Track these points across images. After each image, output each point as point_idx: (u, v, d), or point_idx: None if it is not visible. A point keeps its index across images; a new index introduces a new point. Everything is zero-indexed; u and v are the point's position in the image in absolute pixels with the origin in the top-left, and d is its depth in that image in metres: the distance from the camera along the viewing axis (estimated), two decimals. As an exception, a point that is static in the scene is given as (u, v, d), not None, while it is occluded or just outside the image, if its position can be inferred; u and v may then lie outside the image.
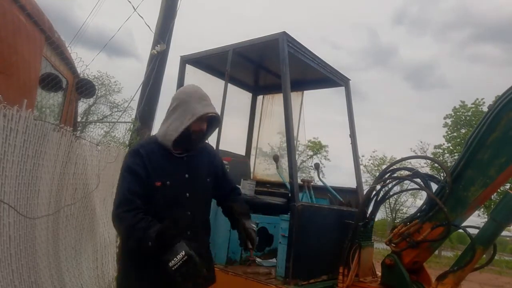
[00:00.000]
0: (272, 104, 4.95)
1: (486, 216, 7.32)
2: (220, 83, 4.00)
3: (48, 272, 3.49)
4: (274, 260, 3.34)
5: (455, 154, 21.20)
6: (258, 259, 3.49)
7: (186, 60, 4.15)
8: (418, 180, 2.69)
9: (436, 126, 54.69)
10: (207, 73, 4.41)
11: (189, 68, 4.20)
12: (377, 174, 4.75)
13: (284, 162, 3.97)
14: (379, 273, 3.01)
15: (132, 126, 5.62)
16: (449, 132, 22.71)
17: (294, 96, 4.32)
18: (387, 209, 28.48)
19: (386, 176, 2.87)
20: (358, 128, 4.09)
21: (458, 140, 21.58)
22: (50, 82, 3.74)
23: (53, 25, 3.72)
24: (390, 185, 2.92)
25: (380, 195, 2.90)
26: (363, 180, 4.31)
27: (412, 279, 2.65)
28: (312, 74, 4.10)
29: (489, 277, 12.69)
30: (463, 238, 24.04)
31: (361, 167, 8.71)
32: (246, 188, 3.59)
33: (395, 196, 22.04)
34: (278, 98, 4.74)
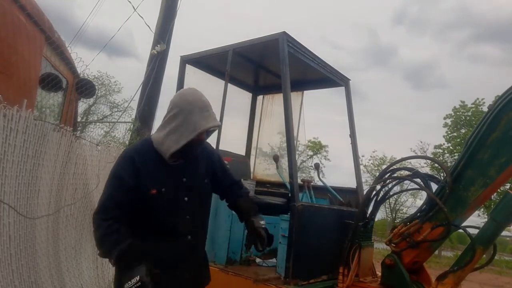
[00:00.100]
0: (272, 104, 4.95)
1: (486, 216, 7.32)
2: (220, 83, 4.00)
3: (48, 272, 3.49)
4: (274, 260, 3.34)
5: (455, 154, 21.17)
6: (258, 259, 3.49)
7: (186, 60, 4.16)
8: (418, 180, 2.70)
9: (436, 126, 54.75)
10: (207, 73, 4.41)
11: (189, 68, 4.21)
12: (377, 174, 4.76)
13: (284, 162, 3.97)
14: (379, 273, 3.01)
15: (132, 126, 5.62)
16: (449, 132, 22.69)
17: (294, 96, 4.32)
18: (387, 209, 28.44)
19: (386, 176, 2.87)
20: (358, 128, 4.11)
21: (458, 140, 21.56)
22: (50, 82, 3.75)
23: (53, 25, 3.72)
24: (390, 185, 2.92)
25: (380, 195, 2.90)
26: (363, 180, 4.32)
27: (412, 279, 2.66)
28: (312, 74, 4.11)
29: (489, 277, 12.67)
30: (463, 238, 24.04)
31: (361, 167, 8.69)
32: (246, 188, 3.58)
33: (395, 196, 22.03)
34: (278, 98, 4.74)
